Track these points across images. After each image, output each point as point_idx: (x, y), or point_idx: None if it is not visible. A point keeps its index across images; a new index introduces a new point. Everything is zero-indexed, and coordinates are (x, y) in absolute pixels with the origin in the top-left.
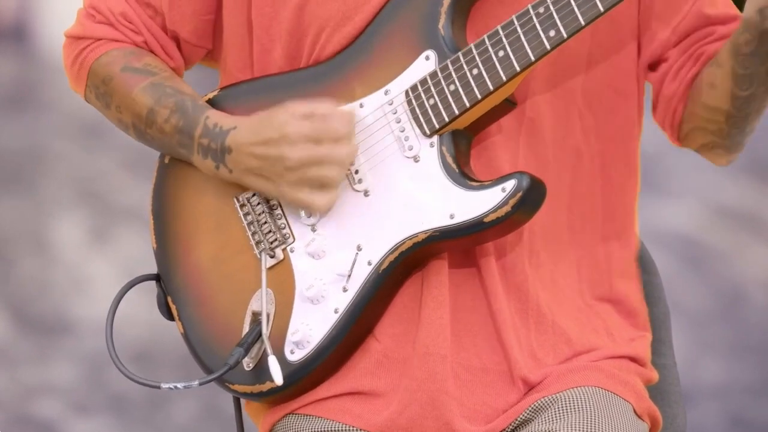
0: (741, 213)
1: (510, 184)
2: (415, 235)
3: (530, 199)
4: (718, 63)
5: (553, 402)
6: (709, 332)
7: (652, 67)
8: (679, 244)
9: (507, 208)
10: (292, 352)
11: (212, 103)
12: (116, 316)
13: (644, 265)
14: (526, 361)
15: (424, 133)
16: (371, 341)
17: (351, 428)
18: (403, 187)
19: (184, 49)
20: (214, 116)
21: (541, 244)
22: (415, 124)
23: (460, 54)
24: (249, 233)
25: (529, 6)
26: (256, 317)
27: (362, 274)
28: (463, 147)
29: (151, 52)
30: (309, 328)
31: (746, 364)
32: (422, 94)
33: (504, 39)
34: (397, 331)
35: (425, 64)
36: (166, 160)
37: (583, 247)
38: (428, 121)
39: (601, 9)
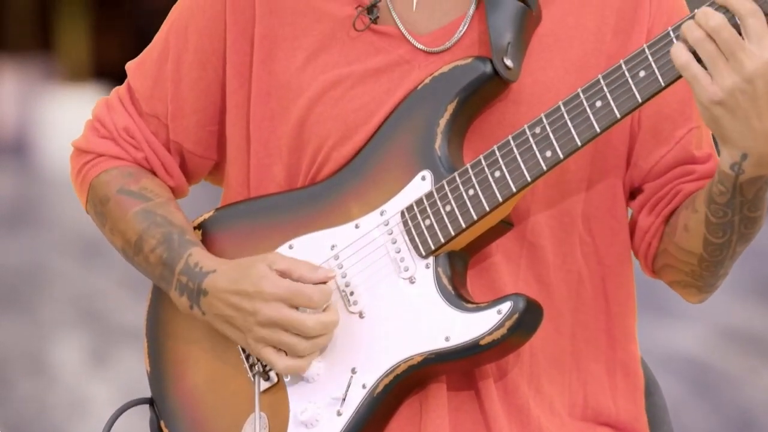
0: (750, 336)
1: (506, 306)
2: (411, 358)
3: (526, 321)
4: (694, 208)
5: None
6: None
7: (631, 195)
8: (686, 367)
9: (503, 331)
10: None
11: (206, 225)
12: None
13: (647, 385)
14: None
15: (420, 254)
16: None
17: None
18: (399, 309)
19: (189, 162)
20: (197, 255)
21: (543, 367)
22: (410, 245)
23: (456, 174)
24: (243, 356)
25: (525, 126)
26: None
27: (357, 397)
28: (459, 268)
29: (151, 168)
30: None
31: None
32: (418, 215)
33: (500, 159)
34: None
35: (421, 184)
36: None
37: (586, 372)
38: (424, 242)
39: (597, 130)
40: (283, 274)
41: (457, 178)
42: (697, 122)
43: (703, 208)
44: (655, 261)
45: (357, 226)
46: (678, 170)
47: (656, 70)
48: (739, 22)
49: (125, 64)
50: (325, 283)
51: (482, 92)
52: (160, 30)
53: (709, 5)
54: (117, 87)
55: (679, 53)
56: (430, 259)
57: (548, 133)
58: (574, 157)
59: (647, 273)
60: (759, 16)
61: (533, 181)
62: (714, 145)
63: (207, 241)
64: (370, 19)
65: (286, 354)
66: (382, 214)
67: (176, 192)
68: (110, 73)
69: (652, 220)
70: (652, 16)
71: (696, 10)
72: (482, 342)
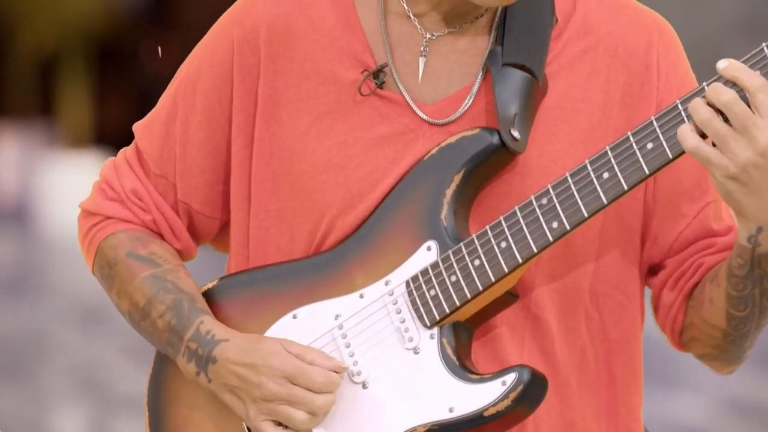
0: (755, 407)
1: (510, 378)
2: (413, 429)
3: (531, 393)
4: (717, 281)
5: None
6: None
7: (652, 271)
8: None
9: (507, 402)
10: None
11: (210, 294)
12: None
13: None
14: None
15: (425, 325)
16: None
17: None
18: (402, 379)
19: (197, 222)
20: (209, 323)
21: None
22: (415, 315)
23: (462, 244)
24: (245, 426)
25: (532, 197)
26: None
27: None
28: (464, 339)
29: (159, 231)
30: None
31: None
32: (423, 285)
33: (506, 230)
34: None
35: (426, 254)
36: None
37: None
38: (428, 312)
39: (605, 201)
40: (294, 355)
41: (463, 249)
42: (714, 196)
43: (724, 282)
44: (682, 335)
45: (361, 296)
46: (698, 244)
47: (664, 143)
48: (748, 97)
49: (126, 130)
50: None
51: (489, 163)
52: (167, 89)
53: (717, 80)
54: (124, 148)
55: (687, 137)
56: (435, 330)
57: (555, 204)
58: (581, 230)
59: (675, 347)
60: None
61: (539, 252)
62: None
63: (211, 311)
64: (376, 84)
65: (285, 428)
66: (387, 284)
67: (183, 254)
68: (111, 139)
69: (676, 295)
70: (661, 90)
71: (705, 84)
72: (486, 413)
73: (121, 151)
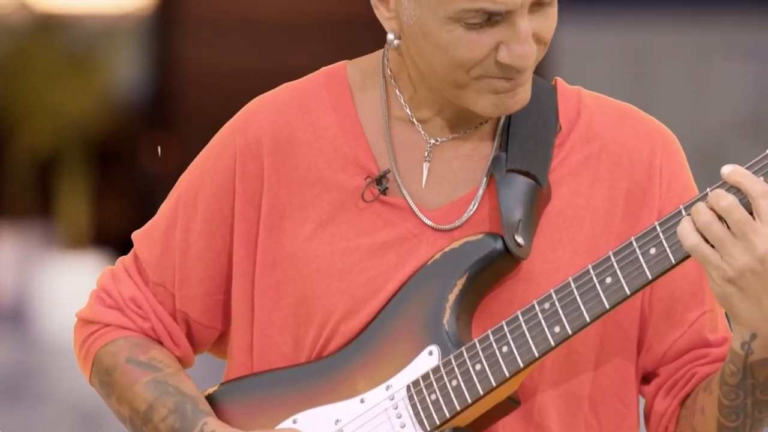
0: None
1: None
2: None
3: None
4: (709, 390)
5: None
6: None
7: (645, 379)
8: None
9: None
10: None
11: (212, 398)
12: None
13: None
14: None
15: (425, 429)
16: None
17: None
18: None
19: (194, 331)
20: (213, 424)
21: None
22: (415, 420)
23: (463, 349)
24: None
25: (535, 302)
26: None
27: None
28: None
29: (158, 338)
30: None
31: None
32: (424, 390)
33: (508, 334)
34: None
35: (428, 359)
36: None
37: None
38: (429, 417)
39: (607, 306)
40: None
41: (465, 353)
42: (710, 305)
43: (716, 390)
44: None
45: (362, 401)
46: (692, 354)
47: (667, 248)
48: (751, 202)
49: (125, 231)
50: None
51: (492, 269)
52: (167, 198)
53: (720, 185)
54: (122, 257)
55: (687, 235)
56: None
57: (557, 309)
58: (582, 337)
59: None
60: None
61: (540, 356)
62: (729, 326)
63: None
64: (380, 190)
65: None
66: (387, 388)
67: (182, 362)
68: (110, 240)
69: (669, 402)
70: (663, 198)
71: (708, 189)
72: None
73: (119, 260)
